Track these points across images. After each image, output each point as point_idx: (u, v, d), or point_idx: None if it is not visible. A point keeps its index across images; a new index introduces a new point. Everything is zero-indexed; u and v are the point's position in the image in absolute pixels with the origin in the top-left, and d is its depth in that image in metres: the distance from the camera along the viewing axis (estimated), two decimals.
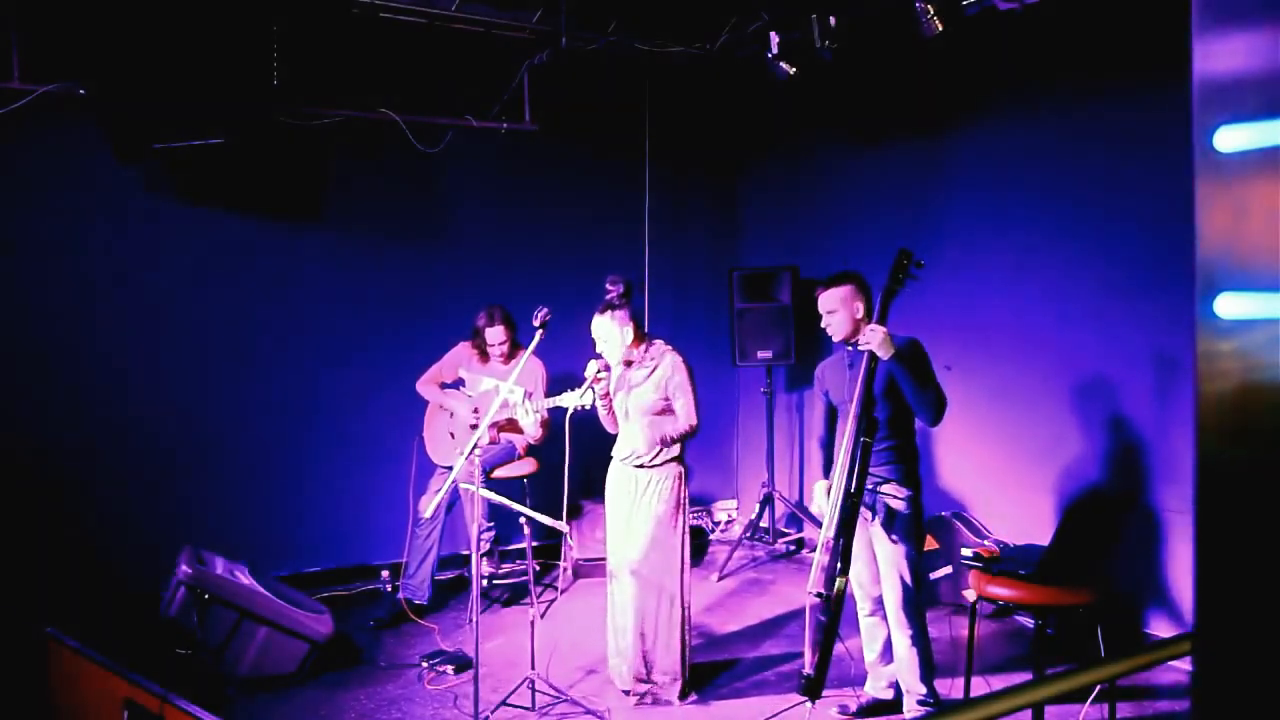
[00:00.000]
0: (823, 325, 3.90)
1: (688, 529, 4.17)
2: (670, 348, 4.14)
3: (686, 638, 4.16)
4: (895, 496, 3.73)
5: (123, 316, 5.14)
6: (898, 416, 3.77)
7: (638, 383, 4.11)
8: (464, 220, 6.07)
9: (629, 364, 4.14)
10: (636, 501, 4.11)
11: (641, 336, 4.15)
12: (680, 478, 4.13)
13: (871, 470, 3.66)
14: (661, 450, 4.09)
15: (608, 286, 4.08)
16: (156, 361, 5.23)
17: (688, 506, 4.19)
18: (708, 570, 6.04)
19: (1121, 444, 4.72)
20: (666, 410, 4.09)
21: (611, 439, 4.26)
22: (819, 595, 3.65)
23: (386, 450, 5.62)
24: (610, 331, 4.07)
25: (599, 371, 4.05)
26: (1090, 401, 4.87)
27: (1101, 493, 4.76)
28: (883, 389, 3.71)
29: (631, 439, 4.13)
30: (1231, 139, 0.99)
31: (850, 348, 3.85)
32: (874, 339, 3.60)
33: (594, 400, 4.09)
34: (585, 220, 6.45)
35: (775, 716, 3.97)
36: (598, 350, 4.13)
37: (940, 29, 4.61)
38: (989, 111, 5.31)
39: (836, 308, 3.83)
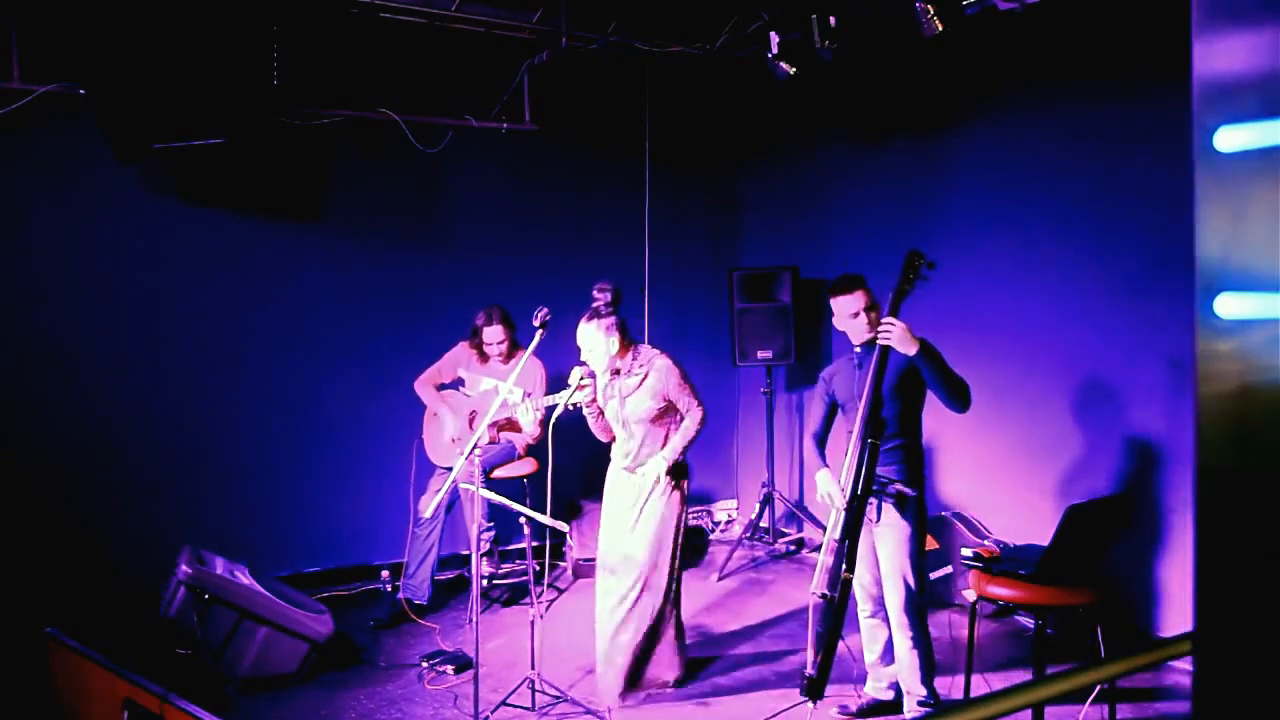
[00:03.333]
0: (844, 329, 3.84)
1: (684, 526, 4.20)
2: (658, 351, 4.10)
3: (682, 630, 4.29)
4: (900, 497, 3.72)
5: (122, 316, 5.14)
6: (906, 415, 3.76)
7: (629, 391, 4.06)
8: (464, 220, 6.07)
9: (616, 373, 4.08)
10: (641, 504, 4.12)
11: (629, 344, 4.09)
12: (682, 472, 4.18)
13: (878, 471, 3.66)
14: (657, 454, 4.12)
15: (595, 294, 4.02)
16: (156, 361, 5.23)
17: (686, 504, 4.23)
18: (708, 570, 6.04)
19: (1122, 443, 4.72)
20: (665, 414, 4.09)
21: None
22: (823, 596, 3.65)
23: (386, 450, 5.61)
24: (595, 340, 4.00)
25: (583, 379, 4.01)
26: (1090, 401, 4.87)
27: (1102, 492, 4.75)
28: (891, 387, 3.70)
29: (631, 445, 4.13)
30: (1231, 139, 0.98)
31: (860, 348, 3.84)
32: (894, 333, 3.54)
33: (582, 403, 4.05)
34: (585, 220, 6.44)
35: (776, 716, 3.97)
36: (582, 358, 4.07)
37: (940, 29, 4.60)
38: (988, 111, 5.31)
39: (860, 309, 3.79)
